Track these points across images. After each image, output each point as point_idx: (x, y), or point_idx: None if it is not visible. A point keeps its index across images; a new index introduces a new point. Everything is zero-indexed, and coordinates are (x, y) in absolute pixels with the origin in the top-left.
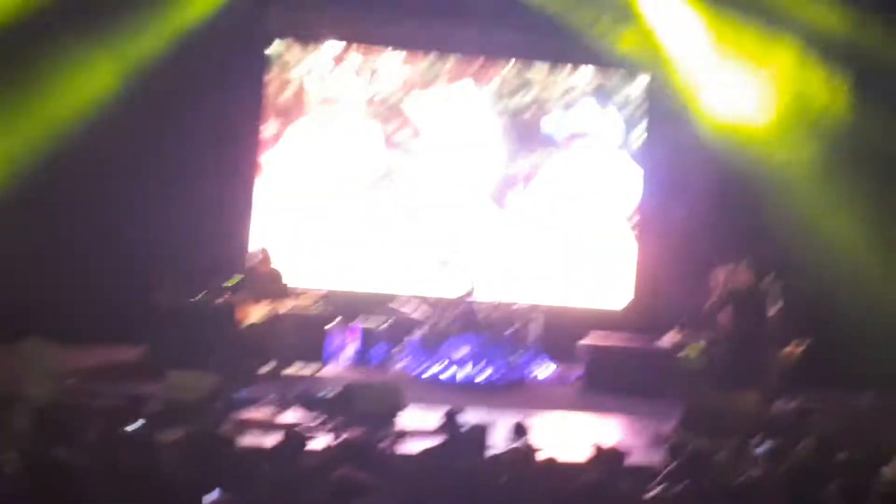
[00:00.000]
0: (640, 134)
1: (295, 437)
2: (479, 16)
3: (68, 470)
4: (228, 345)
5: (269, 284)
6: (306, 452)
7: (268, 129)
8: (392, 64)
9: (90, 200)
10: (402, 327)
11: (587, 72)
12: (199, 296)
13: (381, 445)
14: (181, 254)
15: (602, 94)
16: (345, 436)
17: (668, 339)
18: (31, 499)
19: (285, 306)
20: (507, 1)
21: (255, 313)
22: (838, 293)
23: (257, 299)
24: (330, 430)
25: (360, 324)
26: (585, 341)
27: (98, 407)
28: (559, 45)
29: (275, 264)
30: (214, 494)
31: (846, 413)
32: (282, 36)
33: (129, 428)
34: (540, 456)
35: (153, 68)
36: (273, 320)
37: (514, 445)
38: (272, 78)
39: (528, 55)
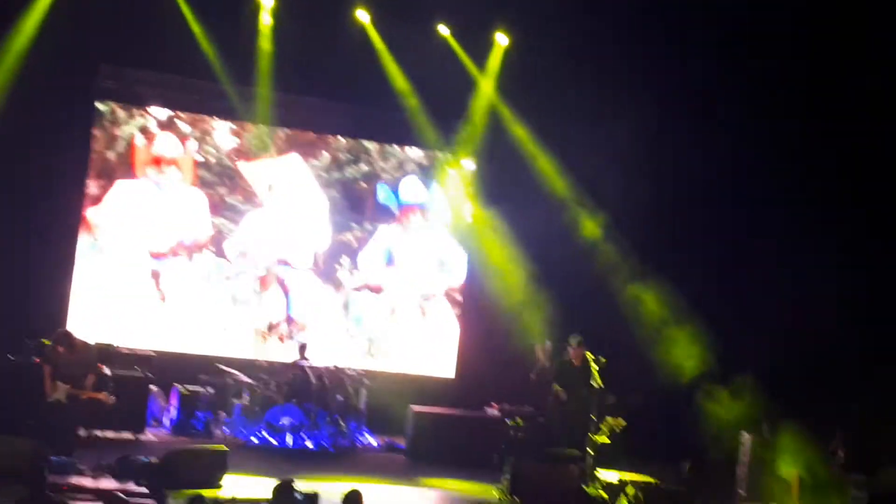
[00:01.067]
0: (467, 213)
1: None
2: (311, 93)
3: None
4: (44, 408)
5: (71, 366)
6: None
7: (93, 186)
8: (220, 132)
9: None
10: (230, 391)
11: (417, 150)
12: (14, 356)
13: None
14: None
15: (431, 172)
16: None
17: (491, 411)
18: None
19: (88, 384)
20: (342, 79)
21: (58, 391)
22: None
23: (58, 378)
24: (152, 498)
25: (183, 387)
26: (414, 407)
27: None
28: (389, 127)
29: (78, 342)
30: None
31: (663, 485)
32: (108, 98)
33: None
34: None
35: None
36: (73, 401)
37: None
38: (99, 135)
39: (359, 134)
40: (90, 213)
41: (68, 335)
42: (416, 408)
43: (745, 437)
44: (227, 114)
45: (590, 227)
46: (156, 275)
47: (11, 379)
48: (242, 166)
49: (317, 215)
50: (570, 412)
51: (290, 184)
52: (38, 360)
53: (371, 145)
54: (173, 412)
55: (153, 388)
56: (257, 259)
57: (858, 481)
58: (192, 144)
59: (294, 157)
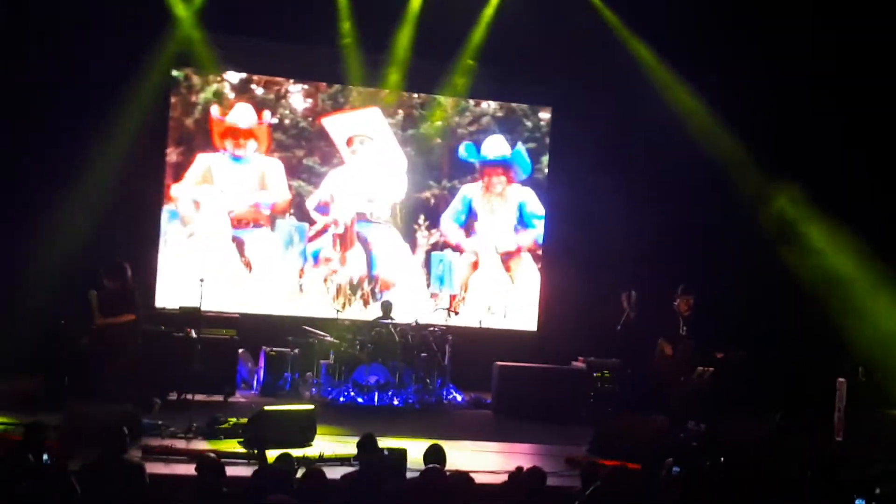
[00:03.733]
0: (544, 165)
1: (211, 464)
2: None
3: None
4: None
5: (112, 300)
6: (225, 480)
7: (173, 155)
8: (295, 94)
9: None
10: (316, 351)
11: (492, 104)
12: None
13: (300, 472)
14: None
15: (508, 126)
16: (262, 463)
17: (577, 364)
18: None
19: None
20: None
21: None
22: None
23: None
24: (245, 458)
25: (270, 349)
26: (498, 363)
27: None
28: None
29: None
30: None
31: (752, 435)
32: (184, 65)
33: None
34: (458, 479)
35: None
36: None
37: (432, 469)
38: (176, 102)
39: (432, 89)
40: (173, 186)
41: (116, 267)
42: (501, 363)
43: (840, 382)
44: (301, 74)
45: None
46: (239, 244)
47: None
48: (325, 122)
49: (395, 171)
50: (672, 365)
51: (370, 137)
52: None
53: (445, 100)
54: (261, 374)
55: (241, 350)
56: (338, 216)
57: None
58: (267, 111)
59: (375, 112)
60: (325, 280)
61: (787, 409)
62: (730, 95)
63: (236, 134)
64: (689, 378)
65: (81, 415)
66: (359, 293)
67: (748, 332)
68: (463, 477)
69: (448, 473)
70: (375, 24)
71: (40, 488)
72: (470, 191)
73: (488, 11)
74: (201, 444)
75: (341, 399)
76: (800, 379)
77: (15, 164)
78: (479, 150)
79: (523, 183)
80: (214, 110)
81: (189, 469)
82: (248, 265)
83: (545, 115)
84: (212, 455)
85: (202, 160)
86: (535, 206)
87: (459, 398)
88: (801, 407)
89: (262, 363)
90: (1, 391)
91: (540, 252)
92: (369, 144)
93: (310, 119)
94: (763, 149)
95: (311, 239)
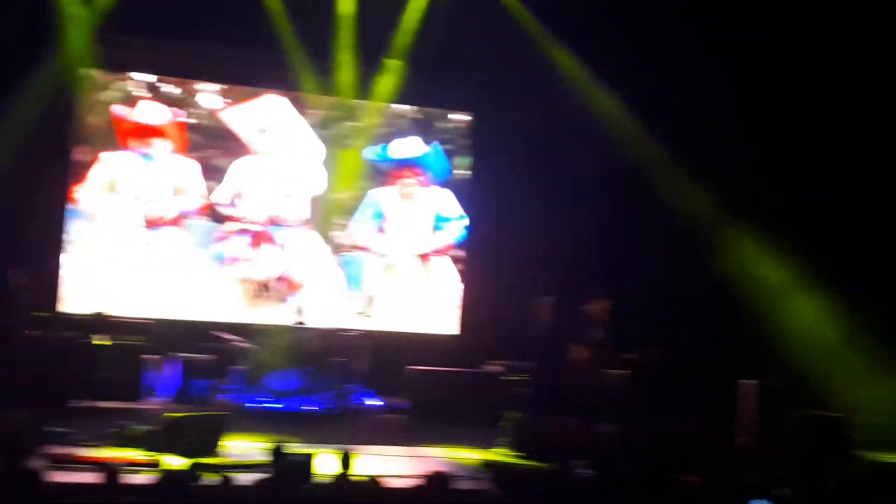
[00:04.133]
0: (464, 167)
1: (112, 472)
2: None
3: None
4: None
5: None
6: (126, 487)
7: (79, 155)
8: (209, 94)
9: None
10: (229, 357)
11: (410, 107)
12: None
13: (206, 479)
14: None
15: (424, 128)
16: (166, 470)
17: (494, 368)
18: None
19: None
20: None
21: None
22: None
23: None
24: (150, 465)
25: (182, 354)
26: (414, 367)
27: None
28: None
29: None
30: None
31: (665, 436)
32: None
33: None
34: (367, 485)
35: None
36: None
37: (341, 475)
38: (81, 101)
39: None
40: (77, 187)
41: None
42: (417, 367)
43: (750, 384)
44: (215, 76)
45: None
46: (150, 245)
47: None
48: (226, 115)
49: (312, 163)
50: (585, 368)
51: (282, 126)
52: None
53: (359, 103)
54: (172, 380)
55: (151, 356)
56: (249, 215)
57: None
58: (179, 109)
59: (282, 99)
60: (238, 282)
61: (701, 410)
62: (648, 97)
63: (144, 132)
64: (603, 380)
65: None
66: (272, 295)
67: (664, 334)
68: (373, 483)
69: (359, 479)
70: (299, 26)
71: None
72: (383, 192)
73: (410, 15)
74: (107, 452)
75: (255, 405)
76: (714, 381)
77: None
78: (392, 152)
79: (441, 185)
80: (120, 108)
81: (92, 477)
82: (158, 267)
83: (465, 118)
84: (114, 463)
85: (107, 160)
86: (453, 209)
87: (376, 403)
88: (713, 408)
89: (172, 369)
90: None
91: (459, 254)
92: (278, 131)
93: (219, 116)
94: (682, 152)
95: (222, 239)
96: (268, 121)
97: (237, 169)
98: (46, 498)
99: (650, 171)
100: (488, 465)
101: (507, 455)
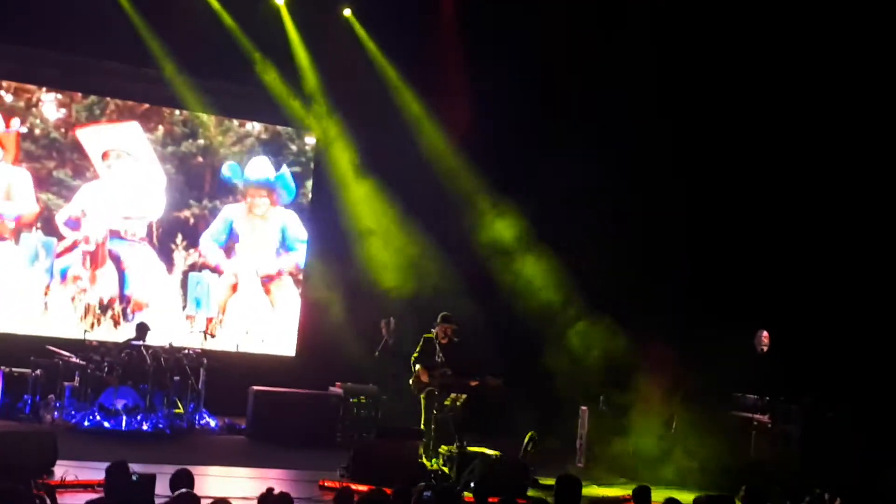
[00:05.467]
0: (308, 190)
1: None
2: (147, 64)
3: None
4: None
5: None
6: None
7: None
8: (47, 102)
9: None
10: (60, 373)
11: (257, 125)
12: None
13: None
14: None
15: (272, 148)
16: None
17: (334, 390)
18: None
19: None
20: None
21: None
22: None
23: None
24: None
25: (9, 369)
26: (254, 388)
27: None
28: (228, 101)
29: None
30: None
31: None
32: None
33: None
34: None
35: None
36: None
37: (181, 496)
38: None
39: (194, 108)
40: None
41: None
42: (256, 388)
43: (583, 410)
44: (54, 83)
45: None
46: None
47: None
48: (79, 133)
49: (153, 188)
50: (429, 391)
51: (127, 152)
52: None
53: (209, 119)
54: None
55: None
56: (89, 233)
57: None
58: (16, 118)
59: (133, 126)
60: (73, 299)
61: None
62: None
63: None
64: (443, 404)
65: None
66: (109, 313)
67: (503, 359)
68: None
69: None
70: (139, 36)
71: None
72: (232, 211)
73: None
74: None
75: (86, 423)
76: (552, 406)
77: None
78: (243, 172)
79: (287, 206)
80: None
81: None
82: None
83: (310, 141)
84: None
85: None
86: (298, 231)
87: (213, 423)
88: (550, 433)
89: None
90: None
91: (301, 276)
92: (126, 160)
93: (62, 130)
94: (491, 176)
95: (59, 255)
96: (118, 146)
97: (84, 193)
98: None
99: (463, 198)
100: (325, 488)
101: (344, 478)
